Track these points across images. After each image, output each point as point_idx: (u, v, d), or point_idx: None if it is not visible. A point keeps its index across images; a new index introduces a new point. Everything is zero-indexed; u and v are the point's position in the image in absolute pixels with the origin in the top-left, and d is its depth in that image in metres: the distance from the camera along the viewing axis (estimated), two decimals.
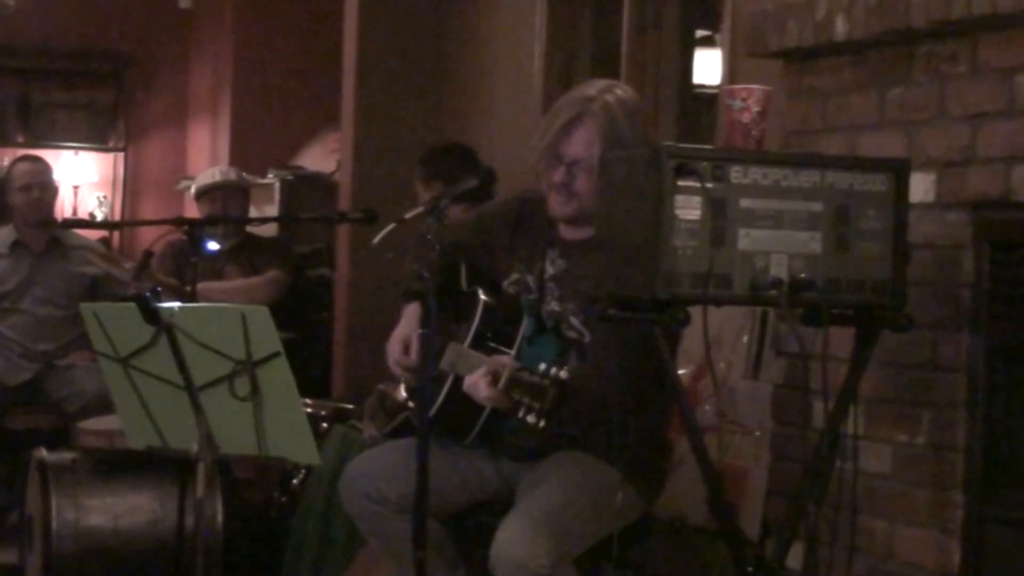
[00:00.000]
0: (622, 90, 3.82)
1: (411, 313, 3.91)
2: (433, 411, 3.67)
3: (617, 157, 3.39)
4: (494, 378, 3.45)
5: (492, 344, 3.74)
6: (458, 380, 3.65)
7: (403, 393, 4.33)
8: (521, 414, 3.36)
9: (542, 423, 3.33)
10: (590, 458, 3.73)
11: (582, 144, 3.72)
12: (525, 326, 3.75)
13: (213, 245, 6.29)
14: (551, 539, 3.48)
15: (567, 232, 3.84)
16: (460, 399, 3.66)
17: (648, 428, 3.77)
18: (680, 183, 3.16)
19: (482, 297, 3.81)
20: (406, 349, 3.88)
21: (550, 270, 3.83)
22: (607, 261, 3.35)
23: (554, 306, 3.79)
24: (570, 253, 3.81)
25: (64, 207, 10.37)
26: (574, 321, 3.75)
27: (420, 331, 3.48)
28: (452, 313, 3.87)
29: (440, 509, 3.74)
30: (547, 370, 3.35)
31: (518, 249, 3.90)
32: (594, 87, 3.80)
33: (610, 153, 3.46)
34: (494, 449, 3.86)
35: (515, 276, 3.87)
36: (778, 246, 3.23)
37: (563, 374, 3.33)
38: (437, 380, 3.72)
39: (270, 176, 8.34)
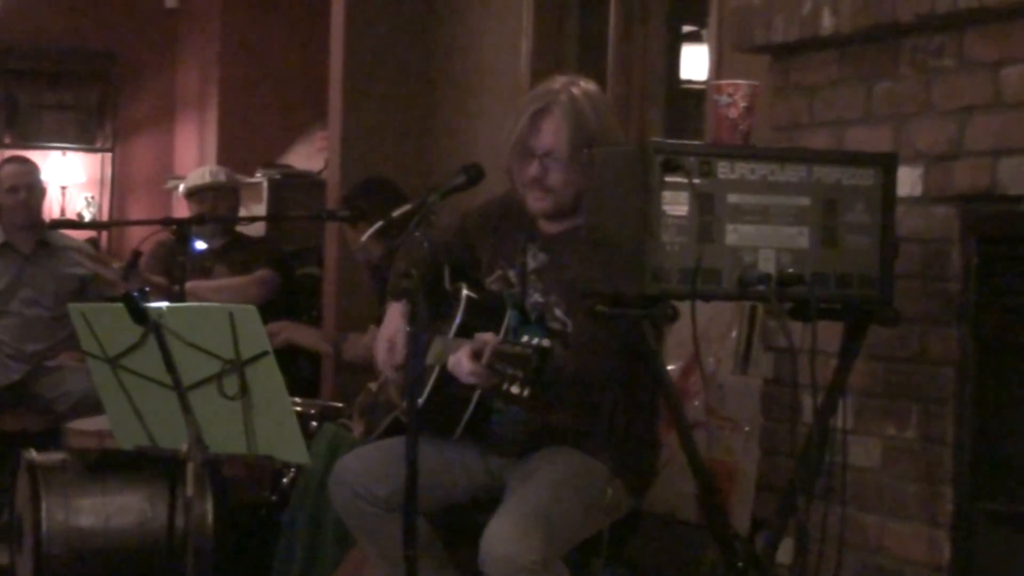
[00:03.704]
0: (585, 83, 3.86)
1: (393, 313, 3.92)
2: (419, 405, 3.67)
3: (605, 153, 3.39)
4: (477, 354, 3.44)
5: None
6: (444, 373, 3.66)
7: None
8: (506, 387, 3.34)
9: (527, 392, 3.32)
10: (579, 454, 3.74)
11: (551, 134, 3.75)
12: (509, 318, 3.74)
13: (201, 244, 6.29)
14: (541, 535, 3.48)
15: (547, 226, 3.86)
16: (446, 393, 3.67)
17: (637, 423, 3.78)
18: (667, 179, 3.17)
19: (465, 292, 3.82)
20: (391, 348, 3.89)
21: (532, 264, 3.84)
22: (594, 256, 3.35)
23: (537, 298, 3.80)
24: (550, 247, 3.82)
25: (52, 208, 10.36)
26: (558, 312, 3.76)
27: (408, 329, 3.48)
28: (436, 312, 3.87)
29: (429, 507, 3.74)
30: (529, 340, 3.35)
31: (500, 247, 3.91)
32: (557, 82, 3.85)
33: (597, 150, 3.46)
34: (482, 446, 3.86)
35: (498, 273, 3.89)
36: (766, 241, 3.24)
37: (545, 343, 3.34)
38: (423, 376, 3.71)
39: (258, 175, 8.34)
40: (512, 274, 3.86)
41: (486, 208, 4.02)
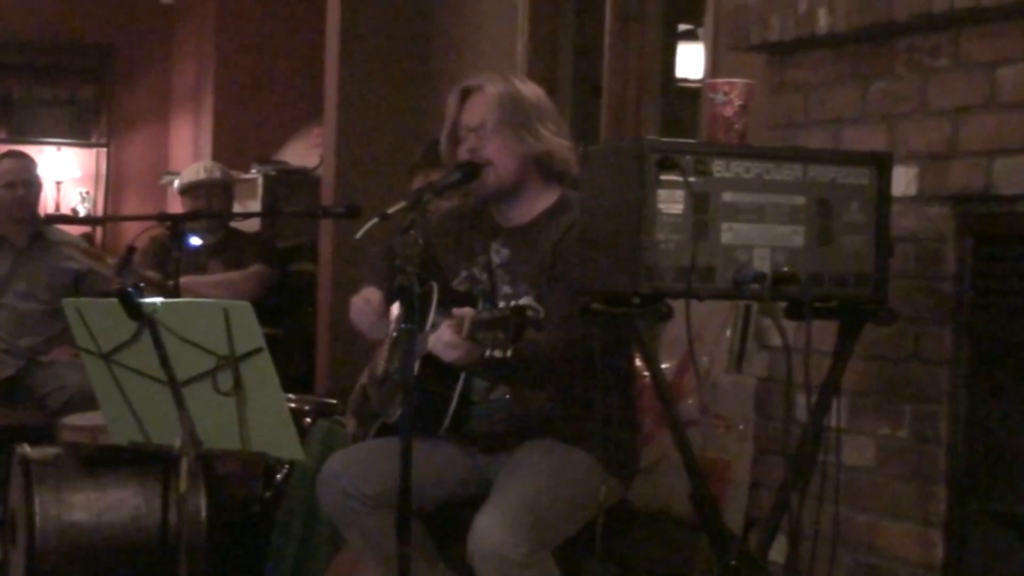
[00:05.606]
0: (516, 75, 3.98)
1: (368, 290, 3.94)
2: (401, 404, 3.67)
3: (600, 151, 3.40)
4: (457, 329, 3.45)
5: None
6: (424, 368, 3.66)
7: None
8: (488, 353, 3.35)
9: (509, 352, 3.32)
10: (563, 445, 3.75)
11: (479, 107, 3.83)
12: (482, 310, 3.75)
13: (196, 240, 6.29)
14: (528, 527, 3.49)
15: (505, 220, 3.90)
16: (427, 389, 3.67)
17: (615, 407, 3.78)
18: (663, 177, 3.17)
19: (436, 287, 3.83)
20: (366, 306, 3.90)
21: (496, 259, 3.87)
22: (588, 254, 3.36)
23: (507, 290, 3.83)
24: (511, 241, 3.86)
25: (47, 203, 10.36)
26: (529, 300, 3.77)
27: (403, 326, 3.48)
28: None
29: (418, 505, 3.74)
30: (506, 305, 3.37)
31: (462, 250, 3.95)
32: (487, 72, 3.95)
33: (592, 147, 3.47)
34: (467, 442, 3.87)
35: (463, 275, 3.91)
36: (761, 240, 3.24)
37: (523, 300, 3.35)
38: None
39: (253, 171, 8.33)
40: (477, 271, 3.88)
41: (444, 218, 4.07)
